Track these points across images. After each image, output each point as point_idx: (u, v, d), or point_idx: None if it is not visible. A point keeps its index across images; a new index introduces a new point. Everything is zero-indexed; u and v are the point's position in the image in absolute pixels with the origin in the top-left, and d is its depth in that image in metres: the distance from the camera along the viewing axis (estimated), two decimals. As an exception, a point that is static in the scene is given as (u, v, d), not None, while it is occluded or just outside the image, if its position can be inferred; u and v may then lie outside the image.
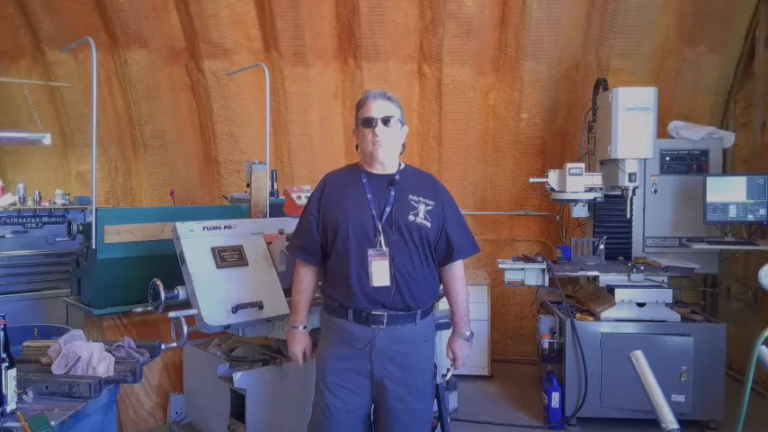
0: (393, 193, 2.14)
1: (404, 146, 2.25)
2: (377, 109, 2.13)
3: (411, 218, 2.12)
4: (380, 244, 2.09)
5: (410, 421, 2.14)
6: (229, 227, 2.83)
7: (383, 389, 2.12)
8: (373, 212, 2.12)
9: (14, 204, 4.66)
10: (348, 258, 2.11)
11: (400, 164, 2.25)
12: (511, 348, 5.18)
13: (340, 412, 2.12)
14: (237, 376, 2.74)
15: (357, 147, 2.24)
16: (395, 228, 2.10)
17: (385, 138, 2.13)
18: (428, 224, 2.14)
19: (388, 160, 2.19)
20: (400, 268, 2.10)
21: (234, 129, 5.25)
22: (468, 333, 2.31)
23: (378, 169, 2.20)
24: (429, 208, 2.16)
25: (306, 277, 2.31)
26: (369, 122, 2.13)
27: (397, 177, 2.18)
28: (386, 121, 2.12)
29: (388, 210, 2.12)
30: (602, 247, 3.90)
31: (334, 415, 2.12)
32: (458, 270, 2.29)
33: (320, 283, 2.34)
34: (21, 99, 5.41)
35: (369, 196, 2.14)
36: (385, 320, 2.10)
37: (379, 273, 2.08)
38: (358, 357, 2.12)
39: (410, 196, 2.16)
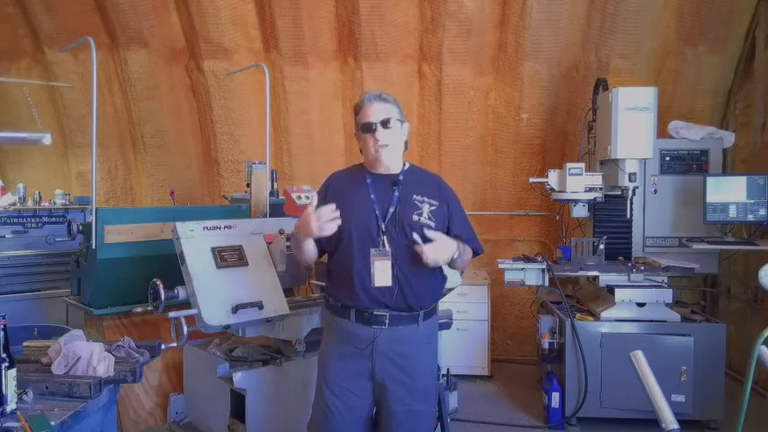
0: (397, 193, 2.14)
1: (407, 143, 2.24)
2: (374, 113, 2.13)
3: (415, 217, 2.12)
4: (383, 244, 2.09)
5: (411, 423, 2.12)
6: (229, 227, 2.83)
7: (384, 390, 2.11)
8: (377, 212, 2.11)
9: (14, 204, 4.64)
10: (351, 258, 2.10)
11: (405, 163, 2.25)
12: (511, 348, 5.18)
13: (341, 413, 2.11)
14: (237, 376, 2.73)
15: (361, 150, 2.24)
16: (398, 227, 2.10)
17: (386, 140, 2.12)
18: (432, 224, 2.13)
19: (392, 162, 2.19)
20: (403, 268, 2.09)
21: (234, 129, 5.24)
22: (457, 245, 2.12)
23: (382, 170, 2.20)
24: (433, 208, 2.15)
25: None
26: (368, 127, 2.13)
27: (400, 177, 2.18)
28: (384, 123, 2.12)
29: (391, 210, 2.12)
30: (602, 247, 3.90)
31: (335, 416, 2.11)
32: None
33: (323, 283, 2.33)
34: (21, 99, 5.40)
35: (372, 196, 2.14)
36: (387, 321, 2.09)
37: (382, 273, 2.08)
38: (360, 358, 2.11)
39: (414, 196, 2.16)
